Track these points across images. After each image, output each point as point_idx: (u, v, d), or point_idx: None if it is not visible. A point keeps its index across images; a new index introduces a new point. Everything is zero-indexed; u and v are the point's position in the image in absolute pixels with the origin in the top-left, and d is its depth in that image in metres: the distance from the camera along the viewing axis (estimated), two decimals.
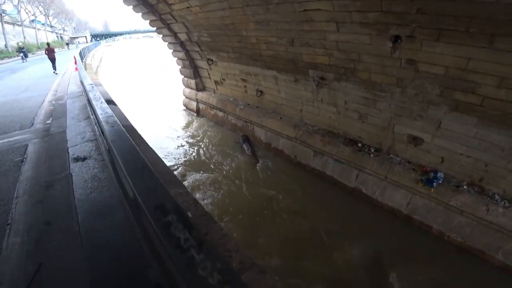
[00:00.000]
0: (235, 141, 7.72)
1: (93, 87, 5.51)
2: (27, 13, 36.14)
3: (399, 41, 3.67)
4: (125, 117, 4.31)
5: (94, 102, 3.96)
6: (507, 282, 3.72)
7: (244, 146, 7.27)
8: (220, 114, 8.62)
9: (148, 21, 8.81)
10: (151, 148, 3.32)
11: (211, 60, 8.10)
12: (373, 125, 5.05)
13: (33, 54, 27.52)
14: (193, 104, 9.81)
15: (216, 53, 7.63)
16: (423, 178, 4.55)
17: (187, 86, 9.95)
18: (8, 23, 29.93)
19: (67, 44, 37.35)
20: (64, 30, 58.08)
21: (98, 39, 66.35)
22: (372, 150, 5.25)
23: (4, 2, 28.08)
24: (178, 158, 7.20)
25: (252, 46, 6.07)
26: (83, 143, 3.64)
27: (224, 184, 5.87)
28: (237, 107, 7.82)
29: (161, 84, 16.39)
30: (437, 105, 4.00)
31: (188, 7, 6.24)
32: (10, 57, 23.84)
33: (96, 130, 3.66)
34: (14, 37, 30.54)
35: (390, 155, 5.11)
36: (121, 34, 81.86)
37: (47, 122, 5.01)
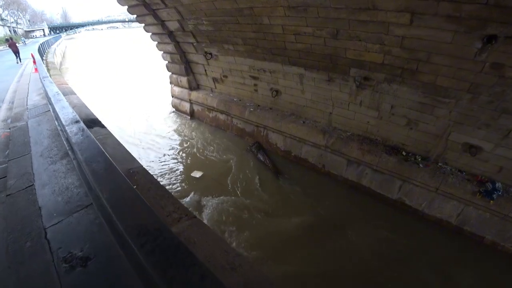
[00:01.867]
0: (245, 149, 6.71)
1: (61, 98, 4.10)
2: None
3: (493, 42, 3.07)
4: (131, 156, 2.96)
5: (69, 128, 2.81)
6: None
7: (260, 155, 6.32)
8: (222, 117, 7.46)
9: (127, 7, 7.13)
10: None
11: (210, 54, 6.83)
12: (424, 132, 4.52)
13: None
14: (186, 106, 8.42)
15: (218, 46, 6.40)
16: (481, 189, 4.18)
17: (176, 84, 8.46)
18: None
19: (22, 38, 29.32)
20: (17, 23, 50.23)
21: (57, 32, 57.04)
22: (419, 159, 4.76)
23: None
24: (183, 179, 5.96)
25: (275, 37, 5.05)
26: (72, 216, 2.02)
27: (250, 209, 4.91)
28: (246, 109, 6.75)
29: (141, 82, 14.24)
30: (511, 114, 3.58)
31: None
32: None
33: (89, 180, 2.09)
34: None
35: (439, 164, 4.67)
36: (83, 25, 71.56)
37: None
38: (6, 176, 2.88)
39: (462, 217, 4.43)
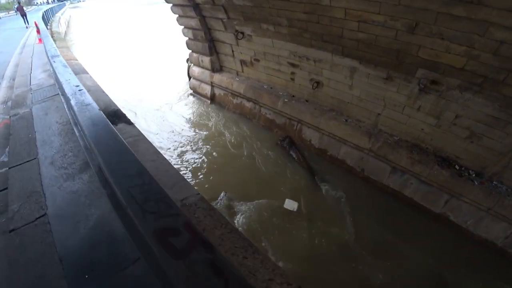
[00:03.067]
0: (275, 143, 6.21)
1: (73, 79, 3.44)
2: None
3: None
4: (181, 176, 2.30)
5: (88, 127, 2.21)
6: None
7: (292, 152, 5.86)
8: (249, 105, 6.86)
9: None
10: None
11: (242, 33, 6.09)
12: (486, 147, 4.13)
13: None
14: (206, 89, 7.72)
15: (255, 25, 5.66)
16: None
17: (197, 64, 7.68)
18: None
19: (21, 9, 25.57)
20: None
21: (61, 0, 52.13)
22: (473, 175, 4.43)
23: None
24: (204, 173, 5.48)
25: (331, 22, 4.40)
26: (117, 275, 1.38)
27: (286, 215, 4.56)
28: (279, 99, 6.16)
29: (154, 59, 13.09)
30: None
31: None
32: None
33: (131, 217, 1.37)
34: None
35: (494, 182, 4.36)
36: None
37: None
38: (7, 188, 2.25)
39: (509, 239, 4.23)
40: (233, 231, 1.73)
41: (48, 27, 14.69)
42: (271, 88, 6.56)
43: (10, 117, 3.61)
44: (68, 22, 25.88)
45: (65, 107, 3.53)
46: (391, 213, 4.81)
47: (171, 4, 6.84)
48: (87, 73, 5.16)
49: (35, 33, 9.21)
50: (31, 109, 3.76)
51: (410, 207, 4.88)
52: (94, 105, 2.66)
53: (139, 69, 11.41)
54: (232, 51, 6.77)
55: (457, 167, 4.53)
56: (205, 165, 5.72)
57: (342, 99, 5.47)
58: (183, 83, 9.21)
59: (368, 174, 5.30)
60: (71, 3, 56.03)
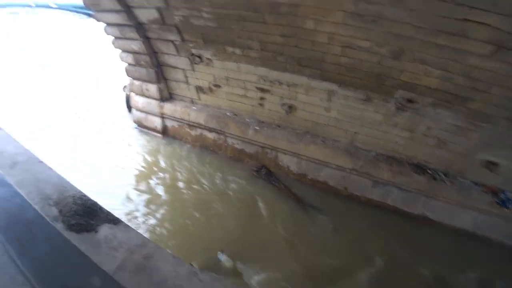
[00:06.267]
0: (250, 174, 5.62)
1: None
2: None
3: None
4: None
5: None
6: None
7: (273, 181, 5.41)
8: (212, 136, 5.98)
9: None
10: None
11: (199, 57, 5.22)
12: (452, 151, 4.75)
13: None
14: (155, 121, 6.33)
15: (217, 47, 4.92)
16: (497, 200, 4.79)
17: (140, 93, 6.18)
18: None
19: None
20: None
21: None
22: (442, 175, 5.04)
23: None
24: (176, 231, 4.41)
25: (313, 46, 4.17)
26: None
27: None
28: (248, 127, 5.56)
29: (78, 85, 9.95)
30: None
31: None
32: None
33: None
34: None
35: (458, 178, 5.08)
36: None
37: None
38: None
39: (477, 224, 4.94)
40: None
41: None
42: (236, 115, 5.91)
43: None
44: None
45: None
46: (377, 223, 4.99)
47: (104, 24, 5.28)
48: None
49: None
50: None
51: (392, 213, 5.19)
52: None
53: (62, 103, 8.49)
54: (186, 76, 5.75)
55: (429, 171, 5.08)
56: (177, 220, 4.60)
57: (317, 121, 5.39)
58: (121, 116, 7.44)
59: (352, 191, 5.39)
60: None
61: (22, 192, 2.05)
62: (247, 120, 5.82)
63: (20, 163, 2.55)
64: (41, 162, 2.63)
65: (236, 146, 5.91)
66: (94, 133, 6.64)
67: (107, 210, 2.08)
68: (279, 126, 5.71)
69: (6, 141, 2.97)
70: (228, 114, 5.93)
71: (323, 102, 5.02)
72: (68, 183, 2.36)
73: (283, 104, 5.38)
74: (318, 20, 3.79)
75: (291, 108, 5.39)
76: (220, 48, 4.92)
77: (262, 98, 5.47)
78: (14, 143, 2.96)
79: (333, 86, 4.71)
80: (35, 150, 3.05)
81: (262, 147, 5.69)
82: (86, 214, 1.99)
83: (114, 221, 2.01)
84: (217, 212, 4.84)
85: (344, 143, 5.45)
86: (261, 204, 4.99)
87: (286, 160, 5.63)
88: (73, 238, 1.77)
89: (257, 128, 5.60)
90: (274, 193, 5.30)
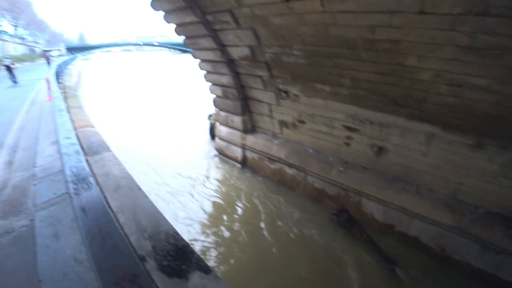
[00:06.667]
0: (329, 218, 5.21)
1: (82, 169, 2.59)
2: None
3: None
4: None
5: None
6: None
7: (355, 229, 4.88)
8: (291, 171, 5.87)
9: (175, 25, 5.78)
10: None
11: (286, 92, 5.58)
12: None
13: None
14: (236, 151, 6.80)
15: (305, 84, 5.13)
16: None
17: (225, 124, 6.89)
18: None
19: (47, 57, 25.46)
20: (36, 43, 50.61)
21: (73, 52, 55.42)
22: None
23: None
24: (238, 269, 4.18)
25: (413, 84, 3.91)
26: None
27: None
28: (332, 167, 5.25)
29: (169, 113, 12.62)
30: None
31: None
32: None
33: None
34: None
35: None
36: (98, 47, 70.31)
37: None
38: None
39: None
40: None
41: (60, 80, 14.22)
42: (317, 152, 5.76)
43: None
44: (80, 75, 25.94)
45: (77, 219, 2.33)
46: None
47: (199, 60, 6.32)
48: (110, 150, 3.94)
49: (45, 89, 8.82)
50: (33, 221, 2.40)
51: None
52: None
53: (155, 126, 10.76)
54: (271, 111, 6.11)
55: None
56: (244, 257, 4.37)
57: (411, 166, 4.74)
58: (204, 142, 8.39)
59: (451, 254, 4.19)
60: (83, 55, 58.96)
61: (120, 219, 2.16)
62: (330, 159, 5.56)
63: (122, 187, 2.77)
64: (140, 189, 2.78)
65: (316, 185, 5.58)
66: (178, 153, 7.53)
67: (198, 255, 1.94)
68: (365, 168, 5.27)
69: (113, 163, 3.41)
70: (310, 151, 5.78)
71: (421, 145, 4.50)
72: (160, 214, 2.41)
73: (372, 145, 5.05)
74: (422, 56, 3.52)
75: (381, 150, 4.99)
76: (309, 84, 4.98)
77: (348, 137, 5.26)
78: (119, 166, 3.34)
79: (435, 129, 4.21)
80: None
81: (344, 189, 5.24)
82: (178, 257, 1.89)
83: (205, 269, 1.82)
84: (293, 257, 4.43)
85: (444, 194, 4.61)
86: (347, 260, 4.28)
87: (371, 207, 4.99)
88: (162, 280, 1.68)
89: (341, 168, 5.21)
90: (357, 245, 4.68)
